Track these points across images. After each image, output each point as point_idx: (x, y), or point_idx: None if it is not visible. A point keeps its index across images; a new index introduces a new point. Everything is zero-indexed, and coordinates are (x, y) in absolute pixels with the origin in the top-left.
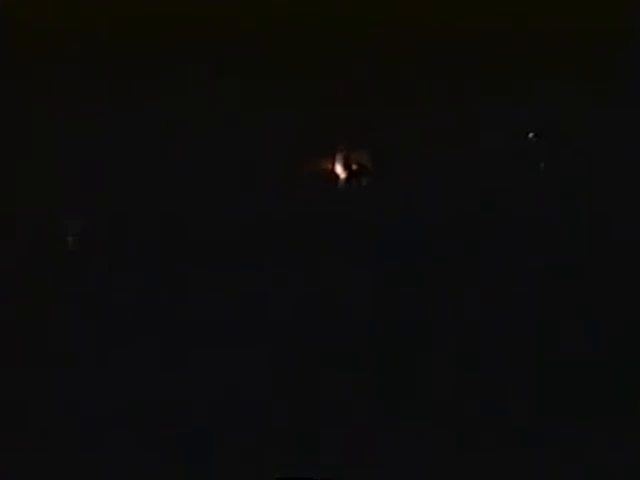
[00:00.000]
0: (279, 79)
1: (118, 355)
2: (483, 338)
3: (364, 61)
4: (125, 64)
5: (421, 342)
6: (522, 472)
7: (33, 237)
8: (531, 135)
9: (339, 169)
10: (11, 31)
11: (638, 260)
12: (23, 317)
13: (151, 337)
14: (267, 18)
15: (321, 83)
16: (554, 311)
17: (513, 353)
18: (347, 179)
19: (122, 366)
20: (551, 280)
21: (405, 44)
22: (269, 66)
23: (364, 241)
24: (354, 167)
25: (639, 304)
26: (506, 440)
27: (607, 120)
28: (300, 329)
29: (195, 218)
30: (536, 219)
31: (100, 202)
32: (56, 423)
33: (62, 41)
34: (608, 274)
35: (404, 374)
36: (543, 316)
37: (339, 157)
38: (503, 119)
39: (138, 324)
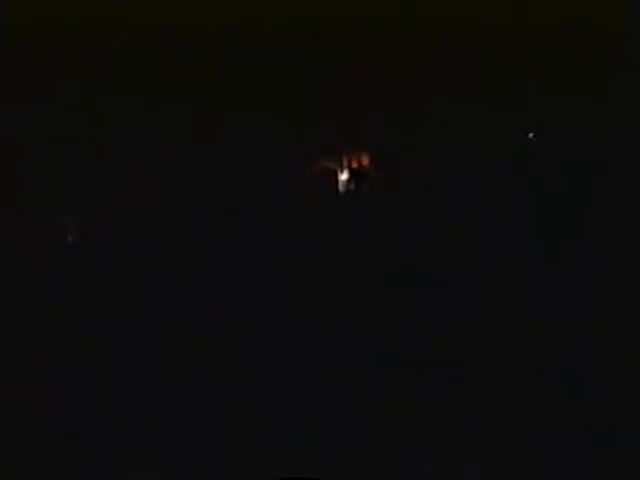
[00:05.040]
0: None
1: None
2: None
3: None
4: (125, 63)
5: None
6: None
7: (33, 237)
8: (531, 135)
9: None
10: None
11: None
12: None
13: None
14: (268, 18)
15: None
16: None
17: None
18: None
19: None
20: None
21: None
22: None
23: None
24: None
25: None
26: None
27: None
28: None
29: (194, 217)
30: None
31: (100, 202)
32: (62, 424)
33: (62, 40)
34: None
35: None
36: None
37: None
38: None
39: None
